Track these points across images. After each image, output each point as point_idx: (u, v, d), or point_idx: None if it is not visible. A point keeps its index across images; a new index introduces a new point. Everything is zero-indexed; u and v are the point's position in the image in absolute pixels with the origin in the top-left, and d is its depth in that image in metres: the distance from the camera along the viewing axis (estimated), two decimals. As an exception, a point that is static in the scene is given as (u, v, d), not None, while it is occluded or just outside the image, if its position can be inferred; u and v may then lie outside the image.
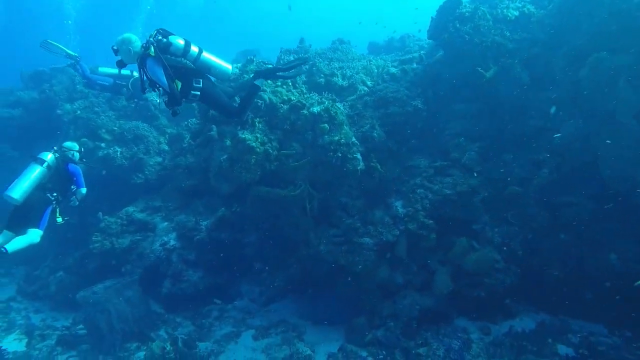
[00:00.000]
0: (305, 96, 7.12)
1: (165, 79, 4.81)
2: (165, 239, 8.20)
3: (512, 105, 6.99)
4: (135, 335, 7.14)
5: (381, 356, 6.26)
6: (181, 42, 5.03)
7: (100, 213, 8.95)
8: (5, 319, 8.04)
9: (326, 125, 6.67)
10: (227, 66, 5.41)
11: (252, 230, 7.90)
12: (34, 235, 6.19)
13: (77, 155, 6.97)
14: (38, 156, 6.36)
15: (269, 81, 7.13)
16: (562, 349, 5.79)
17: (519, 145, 7.00)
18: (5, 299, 8.75)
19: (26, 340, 7.39)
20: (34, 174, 6.14)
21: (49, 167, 6.30)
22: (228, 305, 8.05)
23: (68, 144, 7.01)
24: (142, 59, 4.92)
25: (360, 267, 6.74)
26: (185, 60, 5.13)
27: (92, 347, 7.01)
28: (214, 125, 6.78)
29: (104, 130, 9.29)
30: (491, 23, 7.03)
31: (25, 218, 6.28)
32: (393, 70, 8.31)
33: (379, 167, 6.85)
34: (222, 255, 8.05)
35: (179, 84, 5.03)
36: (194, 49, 5.13)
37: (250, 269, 8.20)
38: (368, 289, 7.01)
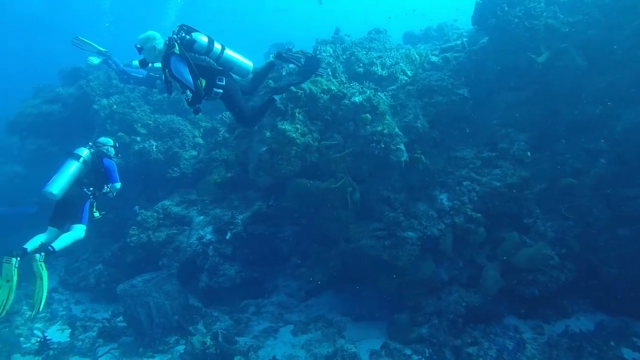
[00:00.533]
0: (346, 86, 6.91)
1: (190, 76, 4.73)
2: (202, 232, 8.15)
3: (565, 92, 6.58)
4: (174, 329, 7.11)
5: (427, 354, 6.01)
6: (204, 39, 4.95)
7: (137, 207, 9.00)
8: (48, 309, 8.17)
9: (368, 115, 6.45)
10: (249, 63, 5.35)
11: (289, 224, 7.75)
12: (78, 230, 6.28)
13: (111, 150, 7.06)
14: (74, 152, 6.48)
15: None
16: (628, 354, 5.38)
17: (573, 134, 6.60)
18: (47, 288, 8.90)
19: (69, 330, 7.48)
20: (70, 170, 6.23)
21: (84, 162, 6.40)
22: (265, 300, 7.95)
23: (103, 139, 7.10)
24: (165, 57, 4.84)
25: (403, 262, 6.49)
26: (208, 58, 5.07)
27: (133, 340, 7.02)
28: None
29: (139, 125, 9.33)
30: (543, 5, 6.63)
31: (67, 213, 6.40)
32: (434, 58, 8.00)
33: (423, 158, 6.57)
34: (258, 249, 7.95)
35: (203, 82, 4.97)
36: (217, 46, 5.06)
37: (287, 263, 8.06)
38: (411, 285, 6.75)
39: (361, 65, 7.74)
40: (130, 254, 8.62)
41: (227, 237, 7.86)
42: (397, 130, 6.52)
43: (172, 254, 8.22)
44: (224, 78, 5.11)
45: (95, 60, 8.55)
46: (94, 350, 6.90)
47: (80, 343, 7.02)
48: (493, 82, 7.17)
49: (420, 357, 5.97)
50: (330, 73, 6.99)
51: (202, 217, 8.42)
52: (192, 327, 7.19)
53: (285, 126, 6.24)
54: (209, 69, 5.02)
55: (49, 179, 6.28)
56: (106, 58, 8.65)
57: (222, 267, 7.83)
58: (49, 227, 6.37)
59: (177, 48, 4.75)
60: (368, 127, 6.42)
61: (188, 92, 4.87)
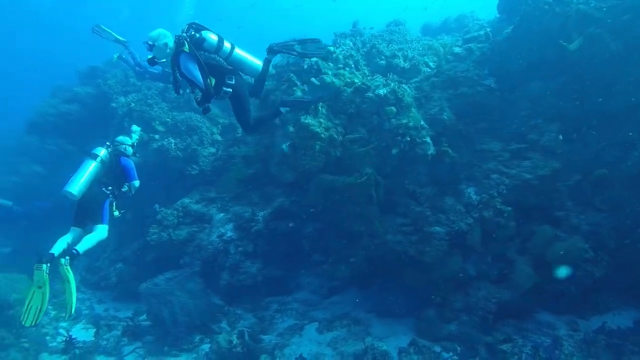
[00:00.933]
0: (369, 78, 6.77)
1: (199, 75, 4.69)
2: (222, 230, 8.09)
3: (598, 80, 6.34)
4: (198, 327, 7.06)
5: (458, 351, 5.86)
6: (214, 37, 4.91)
7: (157, 205, 8.96)
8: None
9: (393, 108, 6.30)
10: (259, 63, 5.31)
11: (311, 221, 7.63)
12: (101, 231, 6.31)
13: (129, 149, 7.08)
14: (92, 152, 6.53)
15: (330, 64, 6.85)
16: (672, 352, 5.18)
17: (606, 124, 6.36)
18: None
19: (93, 329, 7.47)
20: (89, 170, 6.28)
21: (102, 161, 6.45)
22: (288, 298, 7.86)
23: (120, 138, 7.13)
24: (175, 56, 4.81)
25: (430, 257, 6.34)
26: (218, 57, 5.02)
27: (157, 339, 6.99)
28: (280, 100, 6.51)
29: (157, 122, 9.28)
30: (574, -9, 6.40)
31: (88, 213, 6.44)
32: (457, 50, 7.79)
33: (450, 151, 6.40)
34: (280, 246, 7.85)
35: (213, 81, 4.93)
36: (227, 45, 5.03)
37: (309, 260, 7.95)
38: (438, 281, 6.60)
39: (383, 57, 7.58)
40: (150, 253, 8.58)
41: (248, 235, 7.79)
42: (422, 122, 6.36)
43: (193, 252, 8.15)
44: (234, 77, 5.07)
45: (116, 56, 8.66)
46: (119, 349, 6.88)
47: (105, 342, 6.99)
48: (520, 72, 6.95)
49: (452, 354, 5.83)
50: (353, 65, 6.84)
51: (222, 215, 8.35)
52: (216, 326, 7.13)
53: (309, 120, 6.12)
54: (219, 68, 4.98)
55: (67, 179, 6.34)
56: (122, 52, 8.66)
57: (244, 264, 7.76)
58: (72, 228, 6.41)
59: (187, 46, 4.73)
60: (393, 120, 6.28)
61: (197, 91, 4.84)
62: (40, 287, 5.16)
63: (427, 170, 6.51)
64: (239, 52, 5.14)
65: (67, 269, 5.62)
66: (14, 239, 10.26)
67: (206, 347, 6.66)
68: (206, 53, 4.89)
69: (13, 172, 11.16)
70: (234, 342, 6.23)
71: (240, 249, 7.77)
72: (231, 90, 5.05)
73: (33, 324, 5.11)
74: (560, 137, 6.29)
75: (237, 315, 7.50)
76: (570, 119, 6.53)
